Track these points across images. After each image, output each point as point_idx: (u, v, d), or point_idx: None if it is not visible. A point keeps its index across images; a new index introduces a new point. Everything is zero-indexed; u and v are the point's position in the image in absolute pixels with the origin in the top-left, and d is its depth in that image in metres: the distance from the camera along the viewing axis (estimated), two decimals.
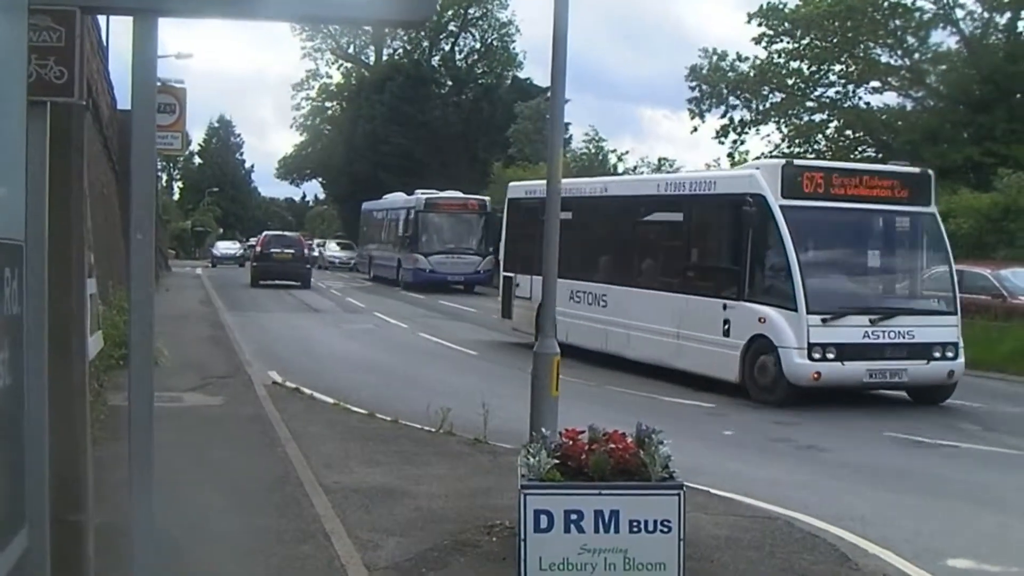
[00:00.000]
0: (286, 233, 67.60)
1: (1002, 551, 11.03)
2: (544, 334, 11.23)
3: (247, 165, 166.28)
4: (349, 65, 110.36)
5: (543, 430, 9.35)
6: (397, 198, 63.01)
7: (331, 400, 18.84)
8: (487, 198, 53.97)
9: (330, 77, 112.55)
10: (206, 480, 12.03)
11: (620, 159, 67.07)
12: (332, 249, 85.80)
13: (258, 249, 59.93)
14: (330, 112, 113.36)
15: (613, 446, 8.61)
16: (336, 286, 58.22)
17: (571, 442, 8.77)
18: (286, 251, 57.49)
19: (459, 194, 58.43)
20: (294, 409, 17.56)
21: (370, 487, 12.24)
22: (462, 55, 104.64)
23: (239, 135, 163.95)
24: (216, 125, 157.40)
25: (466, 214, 54.86)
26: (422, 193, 58.07)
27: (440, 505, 11.47)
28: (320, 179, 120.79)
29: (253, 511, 10.95)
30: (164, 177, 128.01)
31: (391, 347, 30.10)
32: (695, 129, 62.63)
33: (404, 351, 29.15)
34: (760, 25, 57.89)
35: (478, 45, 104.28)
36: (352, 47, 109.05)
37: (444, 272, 51.79)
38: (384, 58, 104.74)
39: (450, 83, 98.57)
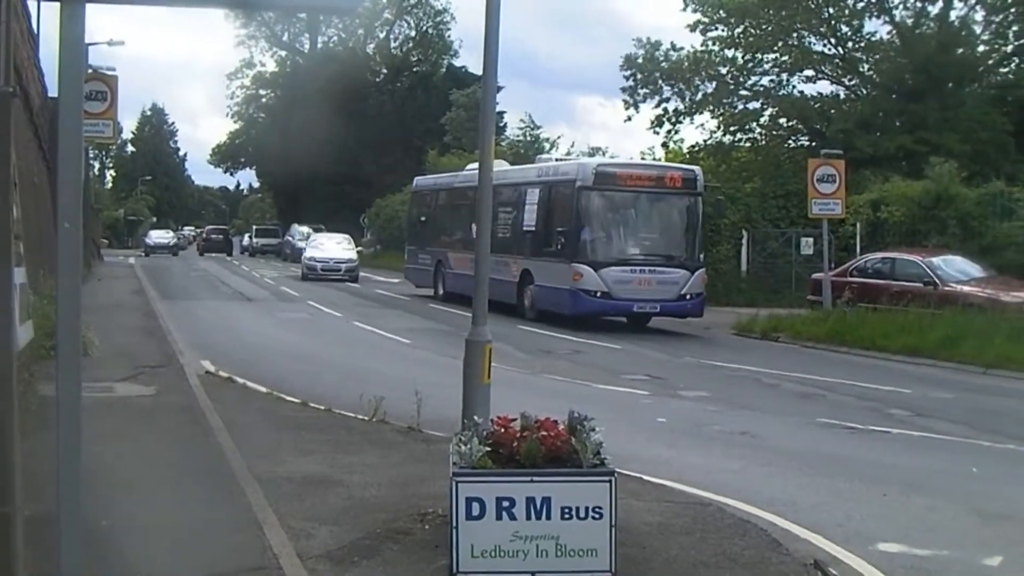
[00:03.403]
0: (219, 226, 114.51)
1: (932, 535, 11.12)
2: (476, 322, 11.21)
3: (180, 153, 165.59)
4: (284, 53, 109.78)
5: (475, 418, 9.38)
6: (509, 169, 40.52)
7: (264, 389, 18.73)
8: (696, 168, 35.30)
9: (264, 65, 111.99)
10: (137, 471, 11.92)
11: (554, 146, 67.11)
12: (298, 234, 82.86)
13: (203, 235, 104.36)
14: (264, 100, 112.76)
15: (545, 433, 8.65)
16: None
17: (503, 429, 8.79)
18: (218, 236, 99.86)
19: (651, 163, 45.19)
20: (227, 399, 17.42)
21: (303, 476, 12.18)
22: (397, 43, 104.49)
23: (172, 123, 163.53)
24: (149, 113, 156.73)
25: (665, 195, 33.08)
26: (586, 159, 46.13)
27: (373, 494, 11.43)
28: (254, 167, 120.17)
29: (185, 502, 10.86)
30: (96, 165, 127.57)
31: (325, 336, 30.01)
32: (629, 119, 62.72)
33: (338, 340, 29.08)
34: (695, 12, 58.01)
35: (413, 33, 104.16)
36: (287, 35, 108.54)
37: (627, 298, 31.83)
38: (319, 46, 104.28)
39: (385, 71, 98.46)
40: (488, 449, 8.57)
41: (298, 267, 61.36)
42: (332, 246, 59.46)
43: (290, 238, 79.57)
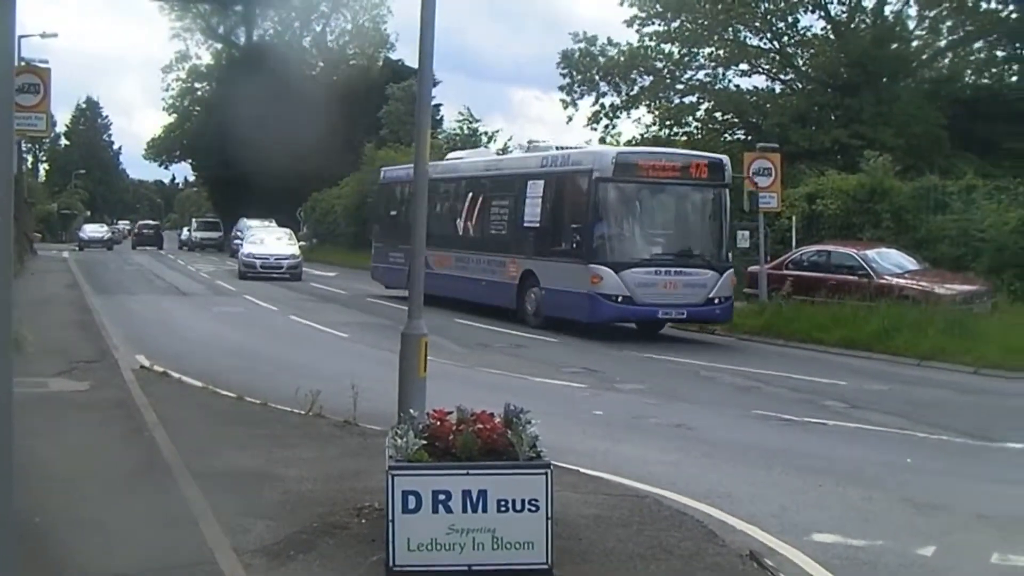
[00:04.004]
0: (149, 221, 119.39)
1: (866, 525, 11.21)
2: (412, 315, 11.19)
3: (115, 147, 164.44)
4: (219, 46, 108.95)
5: (411, 411, 9.35)
6: (502, 158, 40.55)
7: (200, 384, 18.59)
8: (723, 156, 31.90)
9: (199, 58, 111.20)
10: (71, 466, 11.84)
11: (492, 140, 67.09)
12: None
13: (135, 230, 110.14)
14: (200, 93, 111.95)
15: (481, 426, 8.65)
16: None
17: (439, 423, 8.78)
18: (149, 230, 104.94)
19: (673, 150, 35.79)
20: (162, 393, 17.29)
21: (239, 471, 12.13)
22: (334, 36, 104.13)
23: (107, 117, 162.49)
24: (83, 106, 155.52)
25: (690, 187, 29.97)
26: (602, 147, 41.63)
27: (309, 488, 11.39)
28: (190, 161, 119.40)
29: (120, 497, 10.79)
30: (29, 159, 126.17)
31: (261, 330, 29.92)
32: (570, 119, 62.83)
33: (275, 334, 28.99)
34: (632, 7, 58.14)
35: (350, 26, 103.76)
36: (222, 28, 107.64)
37: (651, 302, 28.57)
38: (255, 39, 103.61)
39: (322, 64, 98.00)
40: (424, 442, 8.56)
41: (236, 262, 57.80)
42: (272, 241, 54.98)
43: (239, 232, 74.27)
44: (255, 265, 52.22)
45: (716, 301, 29.01)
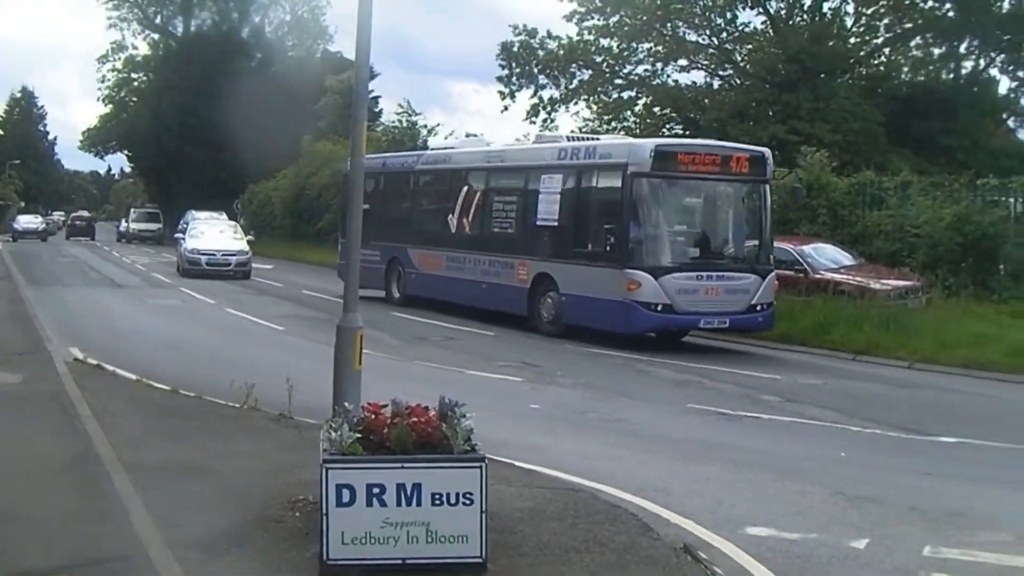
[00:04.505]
0: (83, 213, 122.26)
1: (800, 519, 11.28)
2: (347, 308, 11.15)
3: (50, 137, 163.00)
4: (156, 36, 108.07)
5: (346, 404, 9.32)
6: (506, 148, 35.30)
7: (134, 376, 18.42)
8: (764, 148, 29.17)
9: (136, 48, 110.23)
10: (2, 460, 11.73)
11: (432, 132, 66.89)
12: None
13: (68, 221, 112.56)
14: (136, 84, 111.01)
15: (415, 420, 8.64)
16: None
17: (374, 416, 8.76)
18: (82, 222, 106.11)
19: (712, 142, 31.55)
20: (96, 386, 17.15)
21: (173, 464, 12.04)
22: (272, 27, 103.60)
23: (42, 107, 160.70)
24: (18, 96, 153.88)
25: (731, 182, 27.24)
26: (636, 140, 33.76)
27: (244, 481, 11.34)
28: (126, 152, 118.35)
29: (52, 491, 10.71)
30: None
31: (197, 323, 29.73)
32: (506, 108, 62.55)
33: (210, 327, 28.80)
34: (571, 2, 58.28)
35: (288, 17, 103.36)
36: (159, 17, 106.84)
37: (693, 311, 25.72)
38: (192, 29, 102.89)
39: (260, 55, 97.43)
40: (358, 436, 8.53)
41: (176, 256, 52.16)
42: (216, 235, 49.70)
43: (184, 225, 65.16)
44: (200, 262, 47.06)
45: (758, 308, 26.25)
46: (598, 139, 31.70)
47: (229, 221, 55.95)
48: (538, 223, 28.47)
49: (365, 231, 34.96)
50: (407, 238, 34.76)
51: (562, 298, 27.44)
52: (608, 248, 25.83)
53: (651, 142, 27.37)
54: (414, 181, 35.84)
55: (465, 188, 32.43)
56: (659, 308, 25.13)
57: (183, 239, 51.24)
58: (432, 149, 36.72)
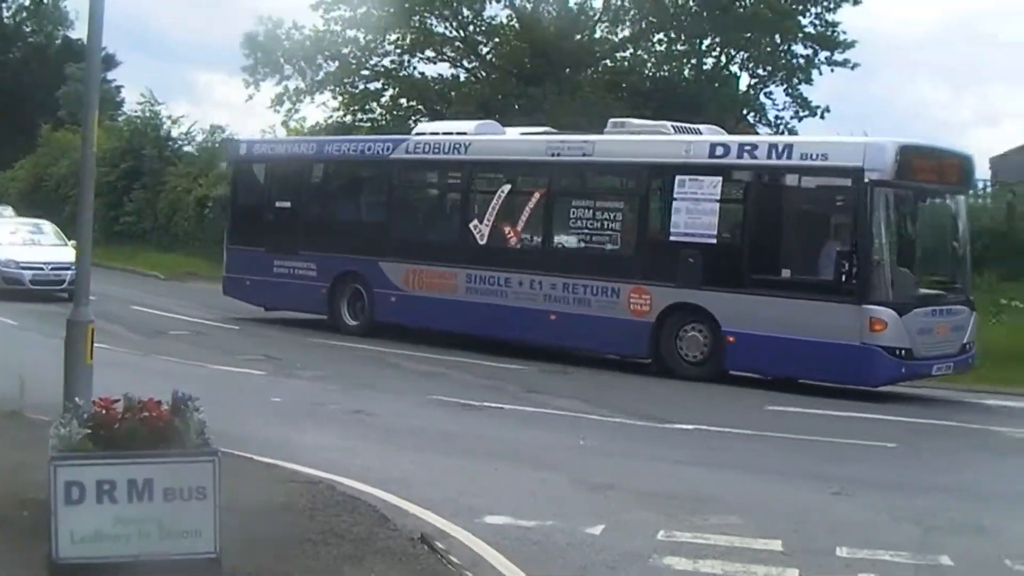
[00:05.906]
0: None
1: (539, 506, 11.50)
2: (78, 302, 10.97)
3: None
4: None
5: (76, 400, 9.17)
6: (600, 138, 24.74)
7: None
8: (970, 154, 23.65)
9: None
10: None
11: (176, 123, 65.59)
12: None
13: None
14: None
15: (148, 414, 8.51)
16: None
17: (104, 411, 8.59)
18: None
19: (943, 146, 23.41)
20: None
21: None
22: (10, 12, 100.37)
23: None
24: None
25: (959, 193, 22.89)
26: (873, 138, 23.44)
27: None
28: None
29: None
30: None
31: None
32: (250, 98, 61.65)
33: None
34: None
35: (27, 2, 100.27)
36: None
37: (927, 355, 20.60)
38: None
39: None
40: (88, 431, 8.38)
41: None
42: (28, 239, 36.46)
43: None
44: (22, 279, 34.13)
45: (966, 348, 21.46)
46: (814, 138, 25.09)
47: (44, 221, 40.08)
48: (672, 239, 22.11)
49: (291, 237, 29.17)
50: (378, 249, 26.72)
51: (731, 339, 21.27)
52: (843, 278, 19.97)
53: (893, 141, 20.78)
54: (392, 175, 27.38)
55: (506, 188, 25.20)
56: (901, 353, 20.05)
57: None
58: (419, 135, 27.87)
